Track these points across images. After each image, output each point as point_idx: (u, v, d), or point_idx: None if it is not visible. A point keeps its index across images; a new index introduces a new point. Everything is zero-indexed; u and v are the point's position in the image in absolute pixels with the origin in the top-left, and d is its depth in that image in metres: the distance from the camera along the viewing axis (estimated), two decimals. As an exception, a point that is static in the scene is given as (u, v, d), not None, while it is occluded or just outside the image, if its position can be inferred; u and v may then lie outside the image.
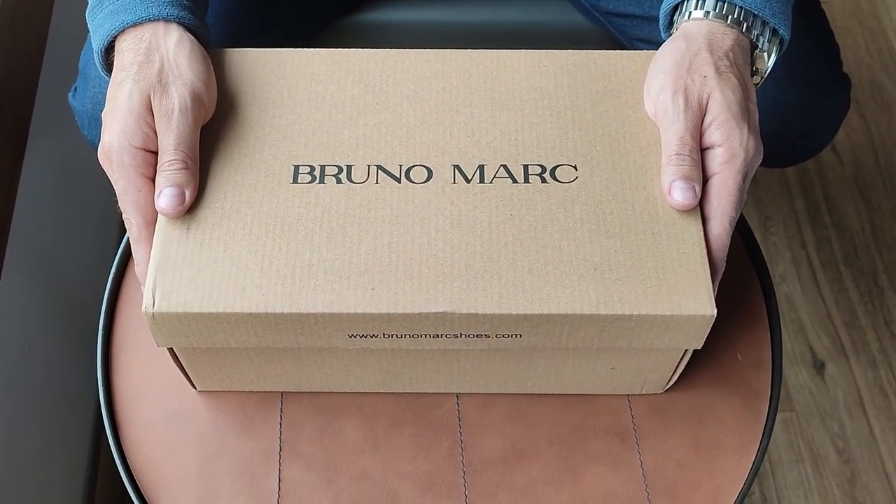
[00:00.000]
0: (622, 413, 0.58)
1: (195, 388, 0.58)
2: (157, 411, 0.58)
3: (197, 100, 0.52)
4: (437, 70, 0.56)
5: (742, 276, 0.64)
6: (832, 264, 1.20)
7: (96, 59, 0.55)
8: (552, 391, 0.59)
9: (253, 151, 0.53)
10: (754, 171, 0.52)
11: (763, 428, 0.58)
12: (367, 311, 0.48)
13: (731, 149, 0.51)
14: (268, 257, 0.49)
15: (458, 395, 0.59)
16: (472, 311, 0.48)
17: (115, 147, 0.50)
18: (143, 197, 0.51)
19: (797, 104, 0.70)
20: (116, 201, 0.52)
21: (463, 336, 0.50)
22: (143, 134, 0.50)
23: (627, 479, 0.56)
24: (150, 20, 0.52)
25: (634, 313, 0.48)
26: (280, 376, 0.57)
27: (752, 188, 0.53)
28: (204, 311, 0.48)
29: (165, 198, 0.50)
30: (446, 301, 0.48)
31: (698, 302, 0.48)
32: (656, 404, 0.59)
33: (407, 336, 0.50)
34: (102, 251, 0.61)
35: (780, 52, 0.55)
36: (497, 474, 0.56)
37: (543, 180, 0.52)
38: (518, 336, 0.50)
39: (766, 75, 0.56)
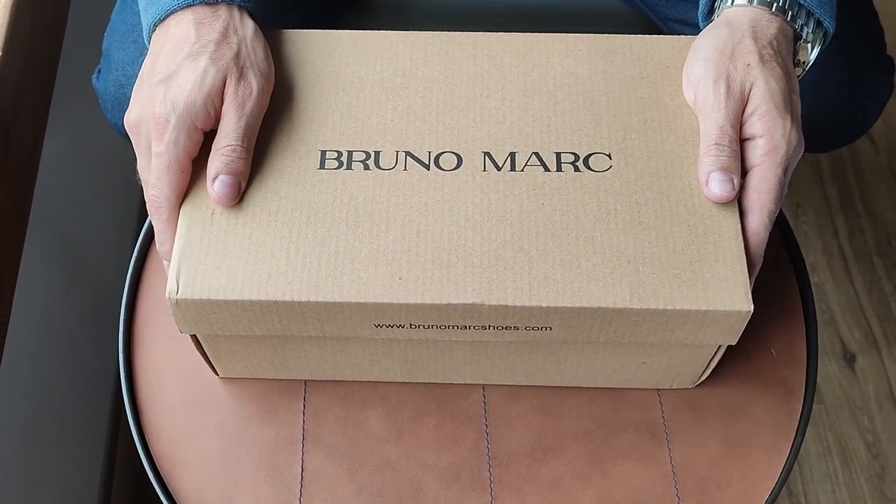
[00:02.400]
0: (652, 407, 0.57)
1: (217, 374, 0.58)
2: (179, 396, 0.58)
3: (268, 91, 0.51)
4: (467, 53, 0.55)
5: (777, 268, 0.62)
6: (865, 254, 1.17)
7: (145, 28, 0.53)
8: (581, 384, 0.57)
9: (279, 136, 0.52)
10: (795, 163, 0.51)
11: (797, 426, 0.57)
12: (394, 301, 0.47)
13: (772, 140, 0.49)
14: (293, 244, 0.48)
15: (484, 386, 0.58)
16: (502, 303, 0.47)
17: (173, 122, 0.48)
18: (184, 179, 0.49)
19: (838, 86, 0.68)
20: (136, 172, 0.50)
21: (491, 328, 0.49)
22: (206, 114, 0.49)
23: (657, 475, 0.55)
24: (224, 2, 0.51)
25: (668, 308, 0.47)
26: (304, 365, 0.56)
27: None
28: (228, 298, 0.47)
29: (222, 185, 0.48)
30: (475, 292, 0.47)
31: (734, 297, 0.47)
32: (687, 399, 0.58)
33: (434, 327, 0.49)
34: (123, 233, 0.61)
35: (823, 44, 0.54)
36: (523, 468, 0.55)
37: (576, 169, 0.50)
38: (548, 329, 0.49)
39: (808, 67, 0.54)
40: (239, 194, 0.49)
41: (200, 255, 0.48)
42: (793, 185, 1.22)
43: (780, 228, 0.64)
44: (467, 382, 0.58)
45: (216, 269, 0.48)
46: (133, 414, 0.57)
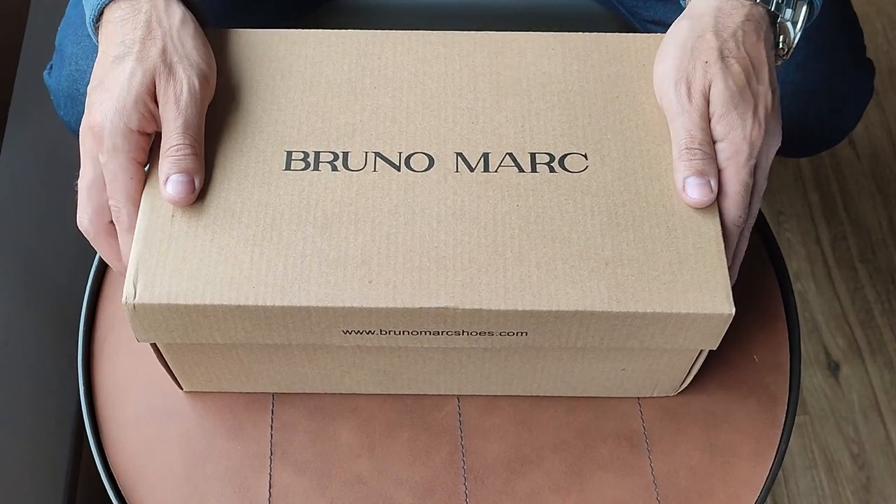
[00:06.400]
0: (632, 417, 0.56)
1: (182, 388, 0.55)
2: (141, 410, 0.56)
3: (205, 83, 0.49)
4: (438, 53, 0.53)
5: (759, 274, 0.61)
6: (848, 261, 1.16)
7: (89, 26, 0.51)
8: (559, 393, 0.56)
9: (243, 137, 0.50)
10: (769, 159, 0.50)
11: (780, 433, 0.56)
12: (364, 306, 0.45)
13: (733, 143, 0.48)
14: (258, 247, 0.46)
15: (459, 397, 0.56)
16: (476, 307, 0.45)
17: (107, 128, 0.47)
18: (135, 185, 0.48)
19: (819, 89, 0.67)
20: (76, 182, 0.49)
21: (465, 333, 0.47)
22: (139, 115, 0.47)
23: (637, 487, 0.54)
24: None
25: (648, 311, 0.45)
26: (272, 377, 0.54)
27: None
28: (189, 302, 0.45)
29: (174, 185, 0.47)
30: (448, 296, 0.45)
31: (716, 300, 0.46)
32: (668, 408, 0.56)
33: (406, 333, 0.47)
34: (84, 242, 0.58)
35: (809, 19, 0.52)
36: (500, 481, 0.54)
37: (552, 169, 0.49)
38: (523, 334, 0.47)
39: (793, 46, 0.52)
40: (194, 192, 0.47)
41: (160, 259, 0.46)
42: (775, 192, 1.21)
43: (762, 234, 0.63)
44: (442, 393, 0.56)
45: (176, 273, 0.46)
46: (93, 428, 0.55)
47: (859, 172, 1.23)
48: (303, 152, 0.50)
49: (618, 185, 0.49)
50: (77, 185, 0.49)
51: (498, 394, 0.56)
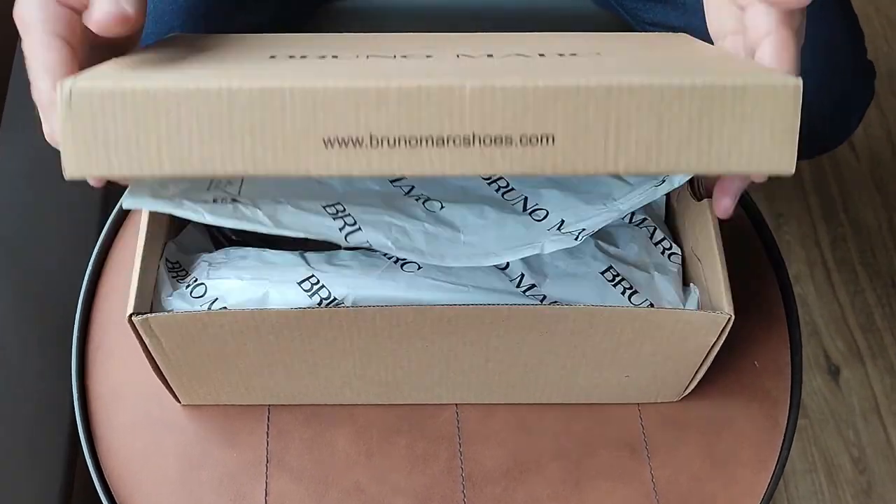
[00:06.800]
0: (632, 423, 0.55)
1: (179, 402, 0.55)
2: (136, 416, 0.55)
3: None
4: (436, 40, 0.53)
5: (759, 277, 0.61)
6: (848, 264, 1.16)
7: None
8: (561, 400, 0.55)
9: (222, 54, 0.47)
10: (799, 54, 0.47)
11: (782, 439, 0.56)
12: (353, 86, 0.38)
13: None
14: (229, 71, 0.41)
15: (458, 403, 0.56)
16: (488, 84, 0.38)
17: (24, 4, 0.41)
18: (54, 56, 0.40)
19: (820, 91, 0.66)
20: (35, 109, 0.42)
21: (477, 143, 0.40)
22: None
23: (637, 494, 0.53)
24: None
25: (698, 83, 0.38)
26: (271, 389, 0.53)
27: (764, 184, 0.47)
28: (138, 86, 0.37)
29: (102, 3, 0.40)
30: (453, 76, 0.39)
31: (780, 77, 0.39)
32: (668, 414, 0.55)
33: (403, 142, 0.40)
34: (78, 246, 0.57)
35: None
36: (499, 489, 0.53)
37: (562, 56, 0.45)
38: (550, 141, 0.40)
39: None
40: (125, 12, 0.40)
41: (112, 72, 0.40)
42: (774, 195, 1.21)
43: (762, 235, 0.63)
44: (443, 402, 0.55)
45: (130, 77, 0.39)
46: (86, 434, 0.55)
47: (858, 174, 1.22)
48: (289, 55, 0.46)
49: (639, 56, 0.45)
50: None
51: (499, 402, 0.55)
